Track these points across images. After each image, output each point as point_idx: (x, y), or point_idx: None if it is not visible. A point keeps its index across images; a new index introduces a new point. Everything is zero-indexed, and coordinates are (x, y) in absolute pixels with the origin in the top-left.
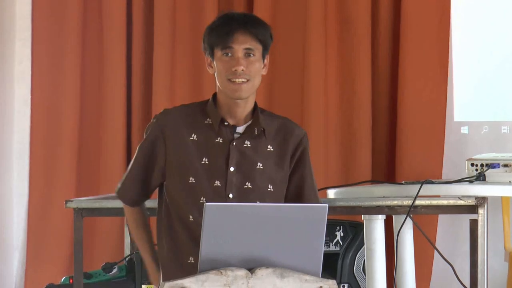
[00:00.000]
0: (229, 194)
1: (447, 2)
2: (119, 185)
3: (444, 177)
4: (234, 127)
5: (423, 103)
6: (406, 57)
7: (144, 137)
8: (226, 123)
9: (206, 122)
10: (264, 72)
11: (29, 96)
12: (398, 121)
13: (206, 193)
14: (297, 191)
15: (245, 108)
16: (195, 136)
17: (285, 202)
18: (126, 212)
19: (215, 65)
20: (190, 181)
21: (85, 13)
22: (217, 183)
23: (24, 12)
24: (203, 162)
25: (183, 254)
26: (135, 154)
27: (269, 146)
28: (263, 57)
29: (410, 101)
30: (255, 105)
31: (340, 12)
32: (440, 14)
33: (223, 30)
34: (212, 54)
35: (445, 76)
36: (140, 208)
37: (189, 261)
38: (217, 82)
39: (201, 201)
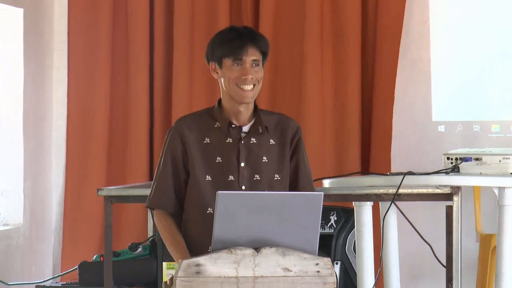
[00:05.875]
0: (241, 187)
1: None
2: (150, 197)
3: (424, 169)
4: (240, 127)
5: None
6: (390, 65)
7: (164, 147)
8: (233, 125)
9: (215, 126)
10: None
11: (66, 99)
12: (388, 121)
13: (221, 188)
14: (293, 174)
15: (247, 110)
16: (208, 139)
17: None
18: (160, 220)
19: (221, 72)
20: (207, 178)
21: (114, 27)
22: (231, 177)
23: (61, 26)
24: (217, 161)
25: (203, 244)
26: (159, 164)
27: (271, 140)
28: (263, 65)
29: (392, 103)
30: (255, 105)
31: (334, 26)
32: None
33: (236, 44)
34: (220, 62)
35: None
36: (173, 216)
37: (209, 250)
38: (223, 87)
39: (216, 193)
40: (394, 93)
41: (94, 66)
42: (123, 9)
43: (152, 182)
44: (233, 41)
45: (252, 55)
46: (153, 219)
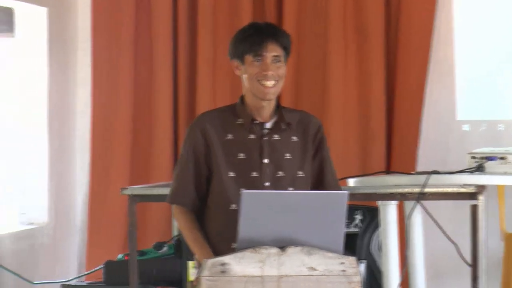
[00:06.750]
0: (264, 183)
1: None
2: (171, 193)
3: (448, 169)
4: (263, 124)
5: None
6: (419, 64)
7: (185, 142)
8: (256, 122)
9: (238, 122)
10: (285, 74)
11: (90, 98)
12: (416, 120)
13: (245, 184)
14: (319, 173)
15: (270, 107)
16: (231, 136)
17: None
18: (180, 217)
19: (243, 69)
20: (230, 175)
21: (137, 26)
22: (254, 174)
23: (85, 25)
24: (240, 157)
25: (226, 241)
26: (181, 159)
27: (293, 137)
28: (285, 62)
29: (421, 103)
30: (277, 102)
31: (357, 23)
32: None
33: (256, 40)
34: (241, 59)
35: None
36: (193, 212)
37: (232, 246)
38: (245, 84)
39: (241, 192)
40: (423, 92)
41: (118, 64)
42: (146, 7)
43: (173, 177)
44: (253, 37)
45: (272, 50)
46: None
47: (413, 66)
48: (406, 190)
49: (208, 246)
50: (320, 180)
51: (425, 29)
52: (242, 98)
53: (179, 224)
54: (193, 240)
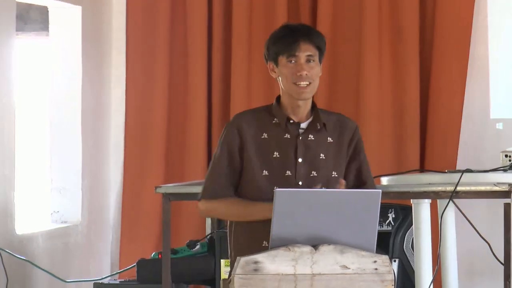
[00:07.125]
0: (298, 182)
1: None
2: (205, 187)
3: (482, 167)
4: (298, 123)
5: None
6: (448, 61)
7: (221, 140)
8: (291, 121)
9: (273, 122)
10: (319, 74)
11: (124, 97)
12: (457, 119)
13: (278, 183)
14: (357, 175)
15: (305, 107)
16: (266, 135)
17: (346, 186)
18: (218, 207)
19: (278, 70)
20: (264, 173)
21: (172, 25)
22: (288, 173)
23: (119, 24)
24: (275, 156)
25: (258, 239)
26: (215, 157)
27: (329, 138)
28: (320, 62)
29: (451, 100)
30: (313, 103)
31: (392, 24)
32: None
33: (288, 40)
34: (276, 61)
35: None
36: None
37: (263, 245)
38: (281, 85)
39: (274, 190)
40: (464, 91)
41: (152, 64)
42: (181, 6)
43: (207, 174)
44: (286, 38)
45: (306, 50)
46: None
47: (451, 65)
48: (439, 188)
49: (257, 202)
50: (359, 182)
51: (463, 27)
52: (278, 99)
53: (223, 213)
54: (248, 211)
